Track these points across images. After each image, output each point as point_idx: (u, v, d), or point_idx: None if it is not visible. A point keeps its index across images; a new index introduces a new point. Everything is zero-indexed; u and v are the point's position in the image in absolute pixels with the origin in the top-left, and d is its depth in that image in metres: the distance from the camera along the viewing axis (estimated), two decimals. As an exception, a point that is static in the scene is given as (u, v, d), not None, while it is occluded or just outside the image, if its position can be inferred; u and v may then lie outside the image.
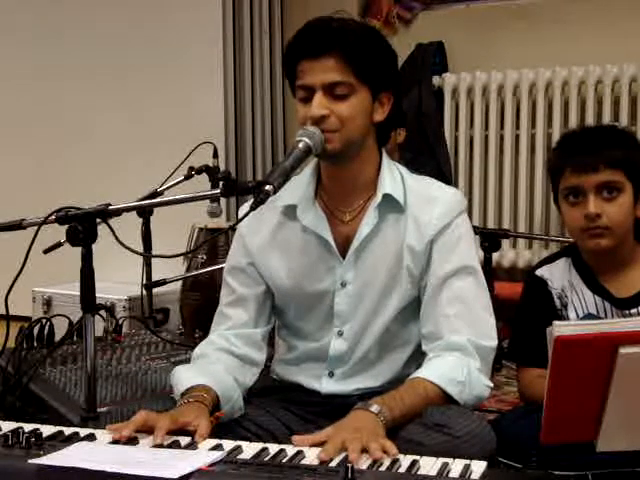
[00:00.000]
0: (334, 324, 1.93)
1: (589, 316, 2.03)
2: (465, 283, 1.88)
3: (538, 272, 2.11)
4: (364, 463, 1.44)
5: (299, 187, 1.95)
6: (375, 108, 1.87)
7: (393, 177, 1.92)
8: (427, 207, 1.89)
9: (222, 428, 1.72)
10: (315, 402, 1.95)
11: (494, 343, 1.88)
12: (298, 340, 2.00)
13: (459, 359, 1.81)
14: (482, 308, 1.89)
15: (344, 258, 1.91)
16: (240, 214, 1.97)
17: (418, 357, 1.93)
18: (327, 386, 1.95)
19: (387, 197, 1.89)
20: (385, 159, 1.95)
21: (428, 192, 1.92)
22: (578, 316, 2.04)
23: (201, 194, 2.10)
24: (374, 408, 1.64)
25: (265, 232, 1.97)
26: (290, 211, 1.94)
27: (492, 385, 1.86)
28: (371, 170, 1.92)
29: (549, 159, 2.20)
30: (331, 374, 1.95)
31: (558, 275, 2.09)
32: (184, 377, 1.83)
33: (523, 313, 2.14)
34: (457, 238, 1.89)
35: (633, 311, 2.01)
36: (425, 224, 1.88)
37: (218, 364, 1.90)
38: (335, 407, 1.88)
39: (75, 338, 2.69)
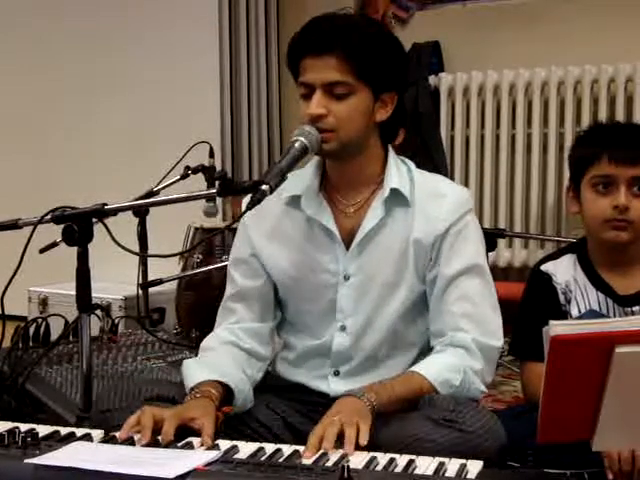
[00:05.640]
0: (336, 318, 1.92)
1: (591, 312, 2.03)
2: (473, 282, 1.88)
3: (543, 267, 2.11)
4: (360, 462, 1.44)
5: (304, 178, 1.95)
6: (377, 108, 1.86)
7: (400, 172, 1.92)
8: (435, 202, 1.89)
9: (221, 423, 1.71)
10: (322, 403, 1.90)
11: (500, 343, 1.89)
12: (299, 337, 1.99)
13: (460, 359, 1.82)
14: (489, 307, 1.90)
15: (347, 251, 1.91)
16: (243, 207, 1.97)
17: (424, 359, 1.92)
18: (335, 387, 1.93)
19: (394, 191, 1.89)
20: (391, 155, 1.94)
21: (436, 187, 1.93)
22: (580, 312, 2.04)
23: (197, 194, 2.09)
24: (357, 391, 1.67)
25: (268, 223, 1.96)
26: (294, 201, 1.94)
27: (486, 390, 1.87)
28: (376, 166, 1.92)
29: (574, 147, 2.14)
30: (337, 373, 1.94)
31: (563, 271, 2.09)
32: (193, 372, 1.83)
33: (527, 308, 2.13)
34: (466, 236, 1.89)
35: (635, 309, 2.01)
36: (434, 218, 1.88)
37: (227, 358, 1.89)
38: None
39: (71, 338, 2.70)
